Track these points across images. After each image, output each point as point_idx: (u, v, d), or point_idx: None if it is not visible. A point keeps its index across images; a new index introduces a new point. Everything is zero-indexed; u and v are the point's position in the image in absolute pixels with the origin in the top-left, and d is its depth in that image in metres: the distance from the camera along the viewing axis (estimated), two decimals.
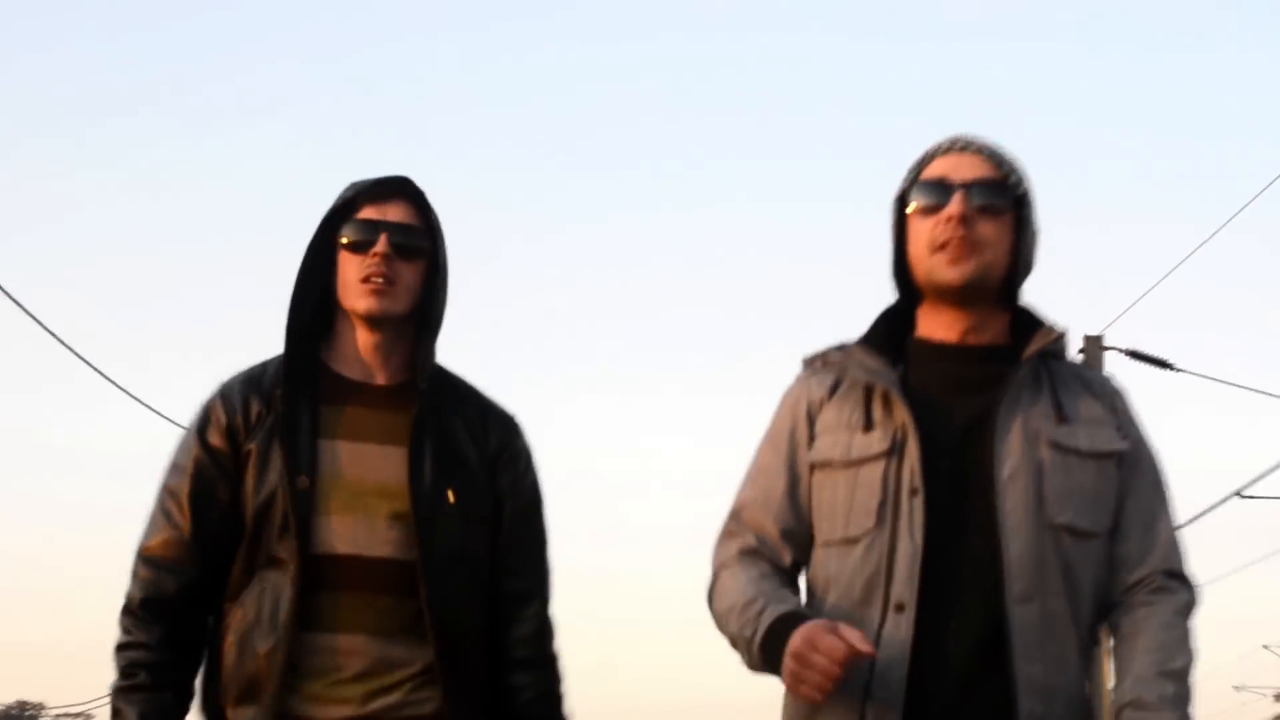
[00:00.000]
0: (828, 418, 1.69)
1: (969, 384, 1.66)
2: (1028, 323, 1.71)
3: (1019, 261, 1.68)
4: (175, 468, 1.81)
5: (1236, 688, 25.52)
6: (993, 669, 1.55)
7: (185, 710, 1.80)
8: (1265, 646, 22.78)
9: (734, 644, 1.65)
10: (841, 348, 1.75)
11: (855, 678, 1.53)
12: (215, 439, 1.79)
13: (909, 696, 1.54)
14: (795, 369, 1.80)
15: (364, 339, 1.82)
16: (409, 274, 1.79)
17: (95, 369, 9.61)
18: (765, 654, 1.56)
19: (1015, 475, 1.59)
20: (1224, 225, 11.93)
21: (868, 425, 1.64)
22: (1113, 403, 1.70)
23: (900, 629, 1.56)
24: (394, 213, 1.80)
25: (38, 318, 8.64)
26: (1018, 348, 1.67)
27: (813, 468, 1.68)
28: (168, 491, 1.80)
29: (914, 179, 1.70)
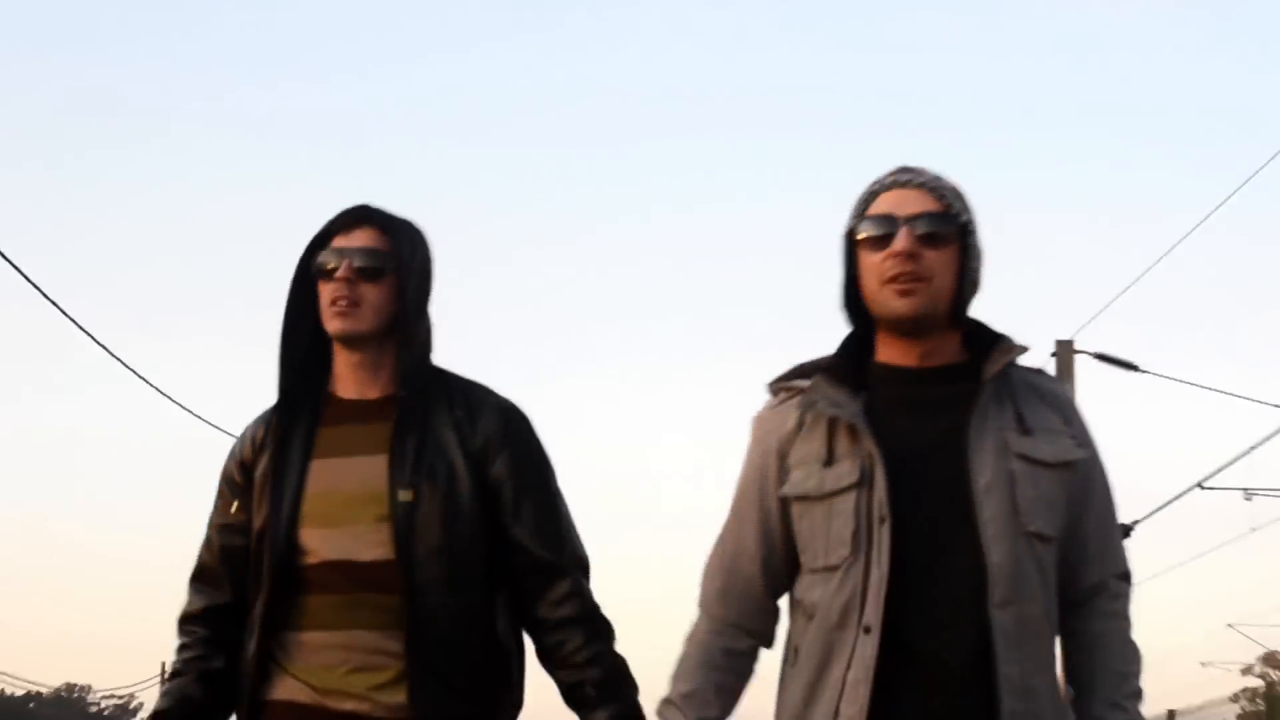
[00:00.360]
0: (800, 452, 1.74)
1: (932, 405, 1.72)
2: (982, 337, 1.76)
3: (965, 284, 1.73)
4: (214, 501, 2.01)
5: (1203, 664, 27.03)
6: (975, 674, 1.61)
7: (214, 700, 1.94)
8: (1230, 625, 24.18)
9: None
10: (805, 373, 1.79)
11: (830, 698, 1.65)
12: (234, 473, 1.98)
13: (882, 711, 1.61)
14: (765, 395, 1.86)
15: (347, 359, 1.92)
16: (373, 294, 1.87)
17: (141, 376, 10.50)
18: None
19: (991, 487, 1.65)
20: (1187, 235, 12.60)
21: (838, 458, 1.69)
22: (1066, 412, 1.77)
23: (867, 650, 1.62)
24: (358, 239, 1.90)
25: (85, 327, 9.48)
26: (974, 363, 1.73)
27: (788, 500, 1.73)
28: (208, 522, 2.00)
29: (861, 214, 1.74)
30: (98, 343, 9.63)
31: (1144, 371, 11.96)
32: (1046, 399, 1.76)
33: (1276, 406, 12.51)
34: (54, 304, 9.03)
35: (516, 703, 1.98)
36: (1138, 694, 1.71)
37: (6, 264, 8.24)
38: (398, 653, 1.83)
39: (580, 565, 1.94)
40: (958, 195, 1.74)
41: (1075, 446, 1.73)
